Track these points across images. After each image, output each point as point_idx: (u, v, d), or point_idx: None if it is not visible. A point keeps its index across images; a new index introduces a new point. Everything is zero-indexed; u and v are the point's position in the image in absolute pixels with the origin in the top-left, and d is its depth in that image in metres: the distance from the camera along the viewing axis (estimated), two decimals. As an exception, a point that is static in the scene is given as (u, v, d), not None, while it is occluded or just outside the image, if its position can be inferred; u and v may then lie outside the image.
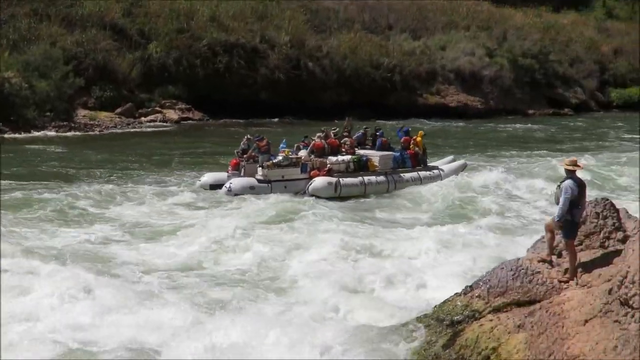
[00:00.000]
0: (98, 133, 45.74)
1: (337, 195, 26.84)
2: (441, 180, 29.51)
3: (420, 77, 62.85)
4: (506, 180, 29.36)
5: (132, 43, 53.81)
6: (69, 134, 44.30)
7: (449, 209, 25.00)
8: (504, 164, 34.16)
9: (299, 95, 54.77)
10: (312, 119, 51.26)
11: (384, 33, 67.92)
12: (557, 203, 10.88)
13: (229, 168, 27.80)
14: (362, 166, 28.54)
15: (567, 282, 10.64)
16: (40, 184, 26.76)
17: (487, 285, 11.15)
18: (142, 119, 51.11)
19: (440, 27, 73.37)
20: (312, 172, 27.35)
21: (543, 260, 11.21)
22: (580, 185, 10.91)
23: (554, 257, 11.30)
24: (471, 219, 23.17)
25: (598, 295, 9.44)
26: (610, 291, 9.27)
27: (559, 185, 10.96)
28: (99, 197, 24.62)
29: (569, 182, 10.81)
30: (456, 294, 11.82)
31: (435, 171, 30.33)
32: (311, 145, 28.79)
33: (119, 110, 50.48)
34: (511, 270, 11.05)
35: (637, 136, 49.12)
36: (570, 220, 10.77)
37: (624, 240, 11.06)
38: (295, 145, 29.70)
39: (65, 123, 45.78)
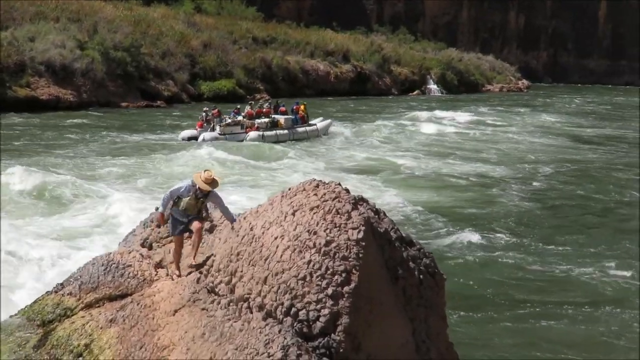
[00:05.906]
0: None
1: (264, 141, 43.70)
2: (318, 131, 49.77)
3: (9, 69, 60.14)
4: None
5: None
6: None
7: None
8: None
9: None
10: None
11: (-34, 23, 64.03)
12: (202, 210, 10.87)
13: (197, 127, 45.44)
14: (275, 124, 47.57)
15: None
16: None
17: (79, 282, 10.93)
18: None
19: (28, 17, 70.72)
20: (247, 129, 45.99)
21: (136, 253, 11.26)
22: None
23: (145, 250, 11.43)
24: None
25: (187, 285, 9.68)
26: (198, 280, 9.57)
27: (203, 195, 10.53)
28: None
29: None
30: (47, 292, 11.48)
31: (314, 127, 50.20)
32: (245, 112, 47.76)
33: None
34: (102, 265, 10.93)
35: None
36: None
37: (211, 229, 11.46)
38: (232, 112, 48.44)
39: None
